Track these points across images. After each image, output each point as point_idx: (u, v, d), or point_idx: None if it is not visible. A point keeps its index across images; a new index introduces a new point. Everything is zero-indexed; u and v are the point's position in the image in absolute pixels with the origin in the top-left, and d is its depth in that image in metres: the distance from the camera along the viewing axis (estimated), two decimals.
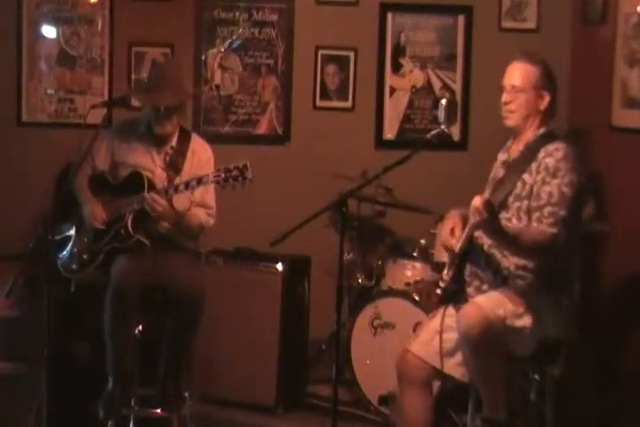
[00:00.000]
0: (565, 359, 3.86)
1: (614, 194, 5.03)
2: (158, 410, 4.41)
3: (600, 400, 4.63)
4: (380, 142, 5.85)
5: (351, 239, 5.15)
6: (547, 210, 3.70)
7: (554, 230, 3.68)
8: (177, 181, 4.51)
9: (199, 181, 4.29)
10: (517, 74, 3.85)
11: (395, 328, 4.77)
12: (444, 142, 4.03)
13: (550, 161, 3.74)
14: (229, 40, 5.69)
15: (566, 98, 5.41)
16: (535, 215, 3.72)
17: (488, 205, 3.57)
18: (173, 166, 4.56)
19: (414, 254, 4.98)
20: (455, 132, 5.75)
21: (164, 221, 4.46)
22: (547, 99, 3.85)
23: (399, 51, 5.82)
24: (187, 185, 4.32)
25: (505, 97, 3.86)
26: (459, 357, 3.79)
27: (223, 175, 4.19)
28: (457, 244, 3.84)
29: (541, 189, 3.72)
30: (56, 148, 5.12)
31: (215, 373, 4.90)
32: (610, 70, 5.10)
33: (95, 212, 4.46)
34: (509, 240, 3.68)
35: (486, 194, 3.85)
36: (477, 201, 3.60)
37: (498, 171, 3.96)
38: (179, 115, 4.57)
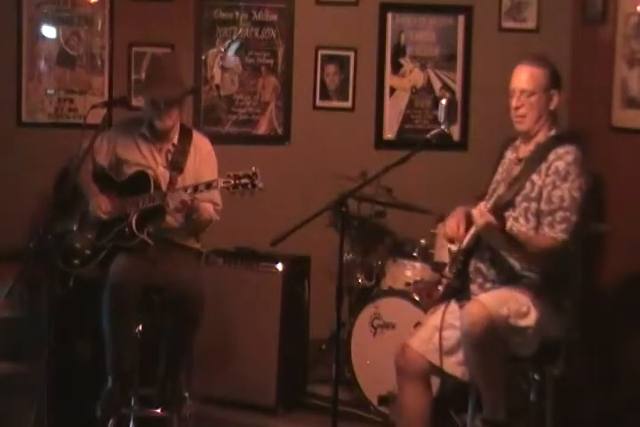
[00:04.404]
0: (565, 359, 3.86)
1: (614, 194, 5.03)
2: (158, 410, 4.41)
3: (600, 400, 4.63)
4: (380, 142, 5.85)
5: (351, 239, 5.15)
6: (559, 215, 3.69)
7: (565, 236, 3.67)
8: (180, 179, 4.51)
9: (208, 185, 4.28)
10: (526, 77, 3.82)
11: (395, 328, 4.76)
12: (444, 142, 4.03)
13: (561, 164, 3.73)
14: (229, 41, 5.69)
15: (566, 98, 5.41)
16: (547, 220, 3.71)
17: (495, 211, 3.58)
18: (176, 165, 4.55)
19: (414, 254, 4.98)
20: (455, 132, 5.75)
21: (179, 214, 4.45)
22: (556, 98, 3.85)
23: (399, 51, 5.82)
24: (195, 189, 4.31)
25: (515, 102, 3.83)
26: (459, 355, 3.79)
27: (233, 182, 4.20)
28: (462, 239, 3.84)
29: (552, 194, 3.72)
30: (56, 148, 5.12)
31: (215, 373, 4.90)
32: (610, 70, 5.09)
33: (100, 203, 4.45)
34: (515, 247, 3.67)
35: (500, 191, 3.82)
36: (483, 206, 3.61)
37: (512, 168, 3.91)
38: (179, 109, 4.56)
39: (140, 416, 4.36)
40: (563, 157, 3.75)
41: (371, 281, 5.11)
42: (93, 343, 4.53)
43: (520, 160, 3.90)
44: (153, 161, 4.57)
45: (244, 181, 4.19)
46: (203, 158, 4.61)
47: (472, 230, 3.83)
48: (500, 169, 3.98)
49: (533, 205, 3.76)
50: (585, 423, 4.51)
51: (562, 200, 3.70)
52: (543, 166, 3.77)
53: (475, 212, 3.65)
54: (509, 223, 3.77)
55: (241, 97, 5.77)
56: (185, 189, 4.33)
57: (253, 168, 4.21)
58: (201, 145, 4.65)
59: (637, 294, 4.71)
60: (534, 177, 3.78)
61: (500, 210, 3.68)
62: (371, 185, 4.40)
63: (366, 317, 4.85)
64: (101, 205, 4.44)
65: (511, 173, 3.91)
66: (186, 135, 4.64)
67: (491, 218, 3.59)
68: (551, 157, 3.77)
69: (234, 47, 5.72)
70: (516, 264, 3.77)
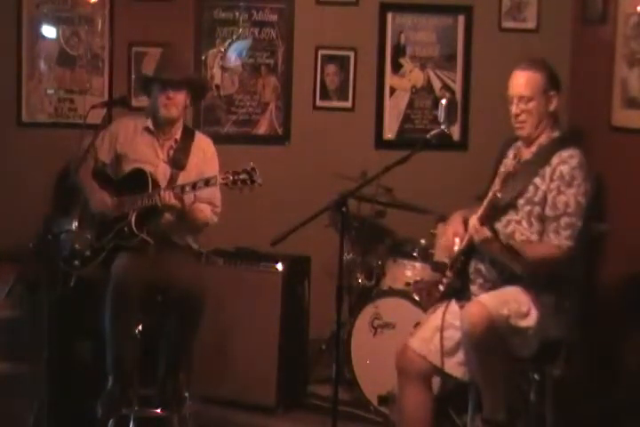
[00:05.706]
0: (565, 359, 3.86)
1: (614, 194, 5.03)
2: (158, 410, 4.41)
3: (600, 400, 4.63)
4: (380, 142, 5.85)
5: (351, 239, 5.15)
6: (563, 220, 3.69)
7: (570, 243, 3.68)
8: (181, 176, 4.50)
9: (207, 182, 4.27)
10: (523, 82, 3.81)
11: (395, 328, 4.76)
12: (444, 142, 4.02)
13: (565, 169, 3.72)
14: (229, 40, 5.70)
15: (566, 98, 5.40)
16: (552, 226, 3.71)
17: (485, 221, 3.60)
18: (177, 162, 4.54)
19: (414, 254, 4.98)
20: (455, 133, 5.75)
21: (171, 215, 4.45)
22: (555, 100, 3.84)
23: (399, 51, 5.82)
24: (194, 186, 4.31)
25: (515, 109, 3.82)
26: (460, 356, 3.79)
27: (231, 178, 4.19)
28: (460, 245, 3.84)
29: (557, 199, 3.71)
30: (56, 148, 5.12)
31: (215, 373, 4.90)
32: (610, 70, 5.09)
33: (102, 198, 4.45)
34: (513, 256, 3.66)
35: (496, 186, 3.80)
36: (475, 220, 3.64)
37: (509, 165, 3.90)
38: (184, 98, 4.53)
39: (140, 416, 4.36)
40: (567, 162, 3.73)
41: (371, 281, 5.11)
42: (93, 343, 4.53)
43: (519, 161, 3.89)
44: (155, 156, 4.56)
45: (242, 176, 4.18)
46: (208, 159, 4.61)
47: (467, 236, 3.83)
48: (501, 169, 3.98)
49: (537, 209, 3.75)
50: (585, 423, 4.51)
51: (567, 206, 3.69)
52: (547, 170, 3.75)
53: (470, 229, 3.69)
54: (511, 226, 3.77)
55: (241, 97, 5.77)
56: (183, 187, 4.33)
57: (251, 164, 4.20)
58: (205, 146, 4.65)
59: (637, 294, 4.70)
60: (537, 181, 3.76)
61: (497, 213, 3.69)
62: (371, 185, 4.39)
63: (366, 317, 4.85)
64: (106, 202, 4.44)
65: (507, 169, 3.90)
66: (188, 134, 4.64)
67: (486, 233, 3.63)
68: (555, 160, 3.75)
69: (239, 47, 5.72)
70: (517, 268, 3.77)
